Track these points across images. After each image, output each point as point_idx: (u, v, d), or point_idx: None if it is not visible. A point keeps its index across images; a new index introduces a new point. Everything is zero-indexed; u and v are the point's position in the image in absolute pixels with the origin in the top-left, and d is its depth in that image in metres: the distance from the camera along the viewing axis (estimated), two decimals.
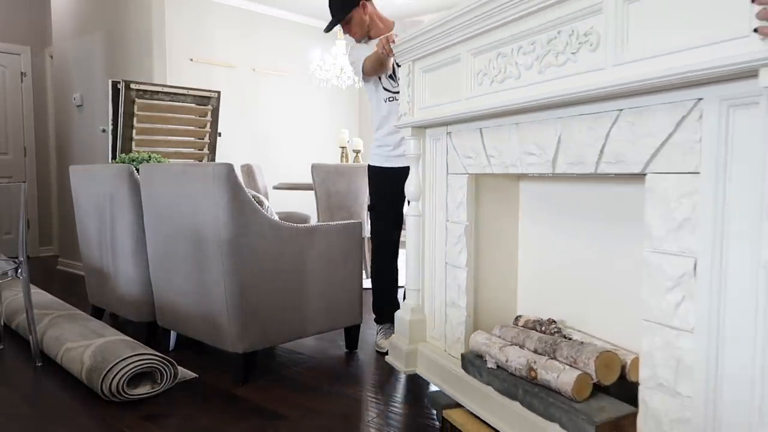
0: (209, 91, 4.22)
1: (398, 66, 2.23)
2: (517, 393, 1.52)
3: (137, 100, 3.82)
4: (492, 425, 1.61)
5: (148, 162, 3.24)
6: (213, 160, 4.30)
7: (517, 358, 1.56)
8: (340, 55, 5.23)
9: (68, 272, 5.17)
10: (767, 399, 0.95)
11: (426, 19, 6.01)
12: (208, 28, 5.56)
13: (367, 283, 3.22)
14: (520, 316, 1.81)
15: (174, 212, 2.51)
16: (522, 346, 1.61)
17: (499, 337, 1.71)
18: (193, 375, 2.45)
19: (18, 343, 2.94)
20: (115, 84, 3.85)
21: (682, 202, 1.11)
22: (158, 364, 2.24)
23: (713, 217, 1.06)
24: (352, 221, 2.74)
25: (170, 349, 2.79)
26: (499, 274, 1.90)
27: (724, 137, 1.03)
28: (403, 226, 2.78)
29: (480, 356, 1.72)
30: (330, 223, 2.65)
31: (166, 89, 3.97)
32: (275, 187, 4.76)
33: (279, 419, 2.05)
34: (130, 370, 2.16)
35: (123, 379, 2.14)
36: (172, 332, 2.80)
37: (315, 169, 4.12)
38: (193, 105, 4.12)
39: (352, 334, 2.80)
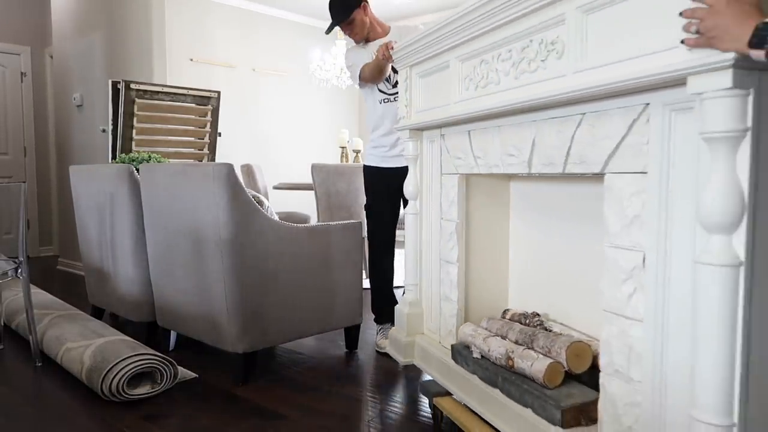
0: (209, 91, 4.22)
1: (395, 72, 2.27)
2: (497, 381, 1.61)
3: (137, 100, 3.82)
4: (476, 412, 1.69)
5: (148, 162, 3.24)
6: (213, 160, 4.31)
7: (497, 348, 1.64)
8: (340, 55, 5.23)
9: (68, 272, 5.17)
10: (697, 384, 1.02)
11: (420, 22, 6.02)
12: (208, 28, 5.56)
13: (367, 283, 3.22)
14: (507, 309, 1.89)
15: (174, 212, 2.51)
16: (504, 337, 1.69)
17: (486, 329, 1.79)
18: (193, 375, 2.45)
19: (18, 343, 2.94)
20: (115, 84, 3.85)
21: (633, 200, 1.19)
22: (158, 364, 2.24)
23: (658, 215, 1.13)
24: (352, 221, 2.74)
25: (170, 349, 2.80)
26: (489, 270, 1.98)
27: (667, 140, 1.11)
28: (399, 225, 2.80)
29: (467, 347, 1.79)
30: (330, 223, 2.65)
31: (166, 89, 3.97)
32: (275, 187, 4.76)
33: (279, 419, 2.05)
34: (130, 370, 2.16)
35: (123, 379, 2.14)
36: (172, 332, 2.80)
37: (315, 169, 4.12)
38: (193, 105, 4.12)
39: (352, 334, 2.80)
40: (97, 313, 3.33)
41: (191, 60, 5.41)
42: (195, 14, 5.45)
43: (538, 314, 1.74)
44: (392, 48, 2.26)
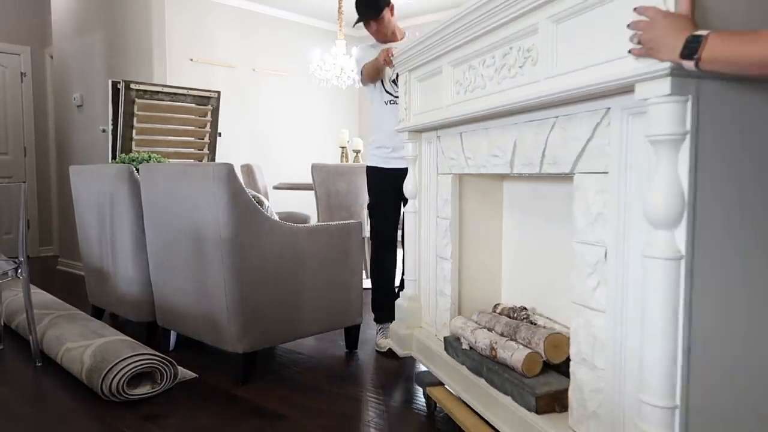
0: (209, 91, 4.22)
1: (398, 77, 2.39)
2: (483, 371, 1.70)
3: (137, 100, 3.82)
4: (464, 400, 1.79)
5: (148, 162, 3.24)
6: (213, 160, 4.30)
7: (483, 339, 1.72)
8: (340, 55, 5.22)
9: (68, 272, 5.17)
10: (644, 369, 1.10)
11: (421, 22, 6.02)
12: (208, 28, 5.56)
13: (367, 283, 3.22)
14: (498, 303, 1.98)
15: (174, 212, 2.51)
16: (491, 330, 1.77)
17: (475, 322, 1.87)
18: (193, 375, 2.45)
19: (18, 343, 2.94)
20: (115, 84, 3.85)
21: (597, 199, 1.27)
22: (158, 364, 2.24)
23: (617, 212, 1.21)
24: (352, 221, 2.74)
25: (170, 349, 2.80)
26: (483, 266, 2.07)
27: (625, 142, 1.19)
28: (399, 225, 2.83)
29: (458, 339, 1.88)
30: (330, 223, 2.65)
31: (166, 89, 3.97)
32: (275, 187, 4.76)
33: (279, 419, 2.05)
34: (130, 370, 2.16)
35: (123, 379, 2.14)
36: (172, 332, 2.80)
37: (315, 169, 4.12)
38: (193, 105, 4.12)
39: (352, 334, 2.80)
40: (97, 313, 3.33)
41: (191, 60, 5.41)
42: (195, 14, 5.45)
43: (525, 308, 1.82)
44: (392, 54, 2.37)
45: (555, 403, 1.45)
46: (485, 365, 1.68)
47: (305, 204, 5.18)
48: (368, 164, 2.90)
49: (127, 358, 2.18)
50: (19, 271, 2.60)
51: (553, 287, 1.79)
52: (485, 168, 1.78)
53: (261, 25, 6.00)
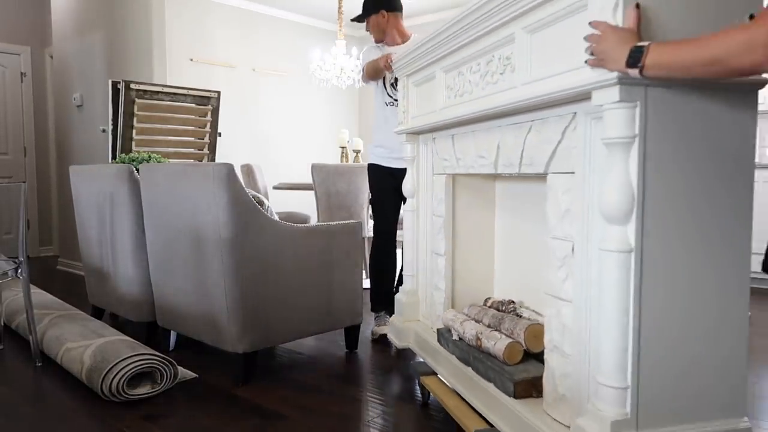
0: (209, 91, 4.22)
1: (396, 80, 2.55)
2: (470, 359, 1.79)
3: (137, 100, 3.82)
4: (454, 388, 1.89)
5: (148, 162, 3.24)
6: (213, 160, 4.30)
7: (470, 330, 1.82)
8: (340, 55, 5.22)
9: (68, 272, 5.17)
10: (600, 353, 1.21)
11: (421, 21, 6.02)
12: (208, 28, 5.56)
13: (367, 283, 3.22)
14: (489, 297, 2.06)
15: (174, 212, 2.51)
16: (479, 321, 1.87)
17: (465, 314, 1.97)
18: (193, 375, 2.45)
19: (18, 343, 2.94)
20: (115, 84, 3.85)
21: (565, 197, 1.37)
22: (158, 364, 2.24)
23: (582, 209, 1.31)
24: (352, 221, 2.74)
25: (170, 349, 2.79)
26: (476, 262, 2.18)
27: (589, 144, 1.28)
28: (399, 225, 2.96)
29: (449, 330, 1.98)
30: (330, 223, 2.66)
31: (166, 89, 3.96)
32: (275, 187, 4.76)
33: (279, 419, 2.05)
34: (130, 370, 2.16)
35: (123, 379, 2.14)
36: (172, 332, 2.80)
37: (315, 169, 4.12)
38: (193, 105, 4.12)
39: (352, 334, 2.80)
40: (97, 313, 3.33)
41: (191, 60, 5.41)
42: (195, 14, 5.45)
43: (513, 302, 1.92)
44: (391, 60, 2.53)
45: (532, 388, 1.53)
46: (472, 354, 1.77)
47: (305, 204, 5.18)
48: (369, 162, 3.02)
49: (127, 358, 2.18)
50: (19, 271, 2.60)
51: (537, 281, 1.84)
52: (473, 168, 1.89)
53: (261, 25, 6.00)
